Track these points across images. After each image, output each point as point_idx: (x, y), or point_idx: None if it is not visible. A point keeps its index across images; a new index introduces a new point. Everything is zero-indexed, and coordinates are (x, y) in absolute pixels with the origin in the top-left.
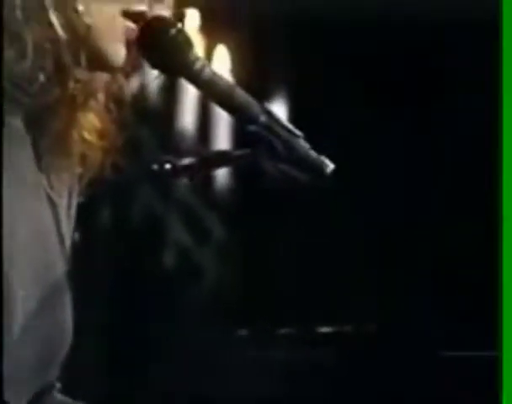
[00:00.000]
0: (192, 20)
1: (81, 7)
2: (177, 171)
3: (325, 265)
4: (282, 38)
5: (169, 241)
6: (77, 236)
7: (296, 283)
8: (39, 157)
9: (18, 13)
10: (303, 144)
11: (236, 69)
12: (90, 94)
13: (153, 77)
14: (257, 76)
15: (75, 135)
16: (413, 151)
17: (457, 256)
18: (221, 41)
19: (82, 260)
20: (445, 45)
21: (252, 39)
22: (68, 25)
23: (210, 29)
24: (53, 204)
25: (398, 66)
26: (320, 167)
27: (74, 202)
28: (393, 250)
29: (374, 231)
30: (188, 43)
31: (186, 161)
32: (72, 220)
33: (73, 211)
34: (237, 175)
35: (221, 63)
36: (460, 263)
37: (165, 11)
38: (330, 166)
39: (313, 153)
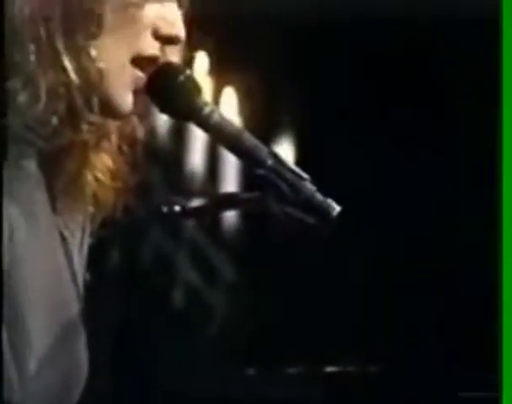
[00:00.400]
0: (201, 63)
1: (93, 53)
2: (186, 213)
3: (332, 305)
4: (289, 81)
5: (178, 281)
6: (88, 275)
7: (304, 322)
8: (53, 198)
9: (32, 58)
10: (310, 187)
11: (243, 111)
12: (103, 136)
13: (163, 121)
14: (264, 118)
15: (88, 176)
16: (420, 194)
17: (459, 299)
18: (229, 83)
19: (93, 300)
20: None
21: (260, 81)
22: (81, 70)
23: (218, 71)
24: (66, 243)
25: (404, 107)
26: (326, 210)
27: (86, 240)
28: (398, 292)
29: (379, 272)
30: (197, 88)
31: (195, 203)
32: (84, 259)
33: (85, 250)
34: (245, 216)
35: (229, 105)
36: (461, 306)
37: (175, 56)
38: (336, 208)
39: (319, 196)
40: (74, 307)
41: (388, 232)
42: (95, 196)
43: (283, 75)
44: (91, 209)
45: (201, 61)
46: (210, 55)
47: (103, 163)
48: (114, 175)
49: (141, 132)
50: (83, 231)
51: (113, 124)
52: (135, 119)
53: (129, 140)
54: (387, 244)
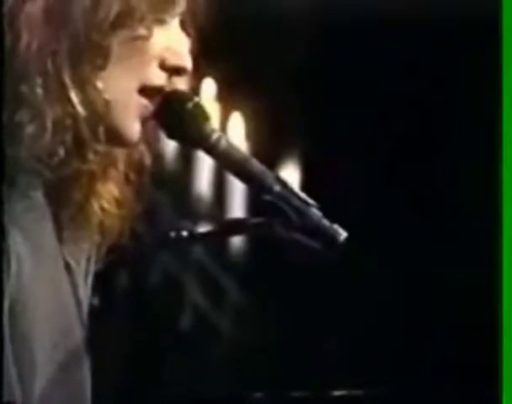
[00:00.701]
0: (208, 89)
1: (100, 84)
2: (194, 238)
3: (338, 329)
4: (295, 107)
5: (186, 303)
6: (96, 300)
7: (309, 346)
8: (59, 228)
9: (39, 91)
10: (316, 213)
11: (250, 136)
12: (110, 164)
13: (170, 147)
14: (270, 143)
15: (94, 205)
16: (426, 220)
17: (461, 327)
18: (236, 109)
19: (101, 324)
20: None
21: (266, 107)
22: (87, 102)
23: (225, 97)
24: (71, 271)
25: (410, 136)
26: (333, 236)
27: (91, 269)
28: (402, 317)
29: (385, 297)
30: (204, 115)
31: (203, 228)
32: (89, 287)
33: (90, 278)
34: (252, 240)
35: (236, 130)
36: (464, 334)
37: (182, 83)
38: (343, 234)
39: (326, 222)
40: (78, 335)
41: (394, 258)
42: (101, 225)
43: (289, 101)
44: (97, 237)
45: (208, 87)
46: (217, 80)
47: (109, 192)
48: (120, 203)
49: (148, 159)
50: (89, 259)
51: (120, 152)
52: (142, 147)
53: (136, 167)
54: (394, 270)
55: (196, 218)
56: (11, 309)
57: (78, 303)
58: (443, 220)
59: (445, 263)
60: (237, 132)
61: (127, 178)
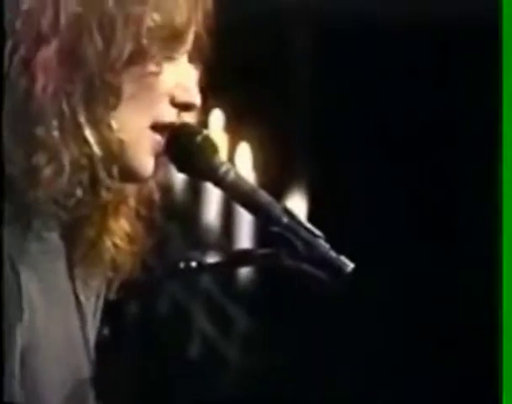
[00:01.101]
0: (216, 120)
1: (114, 123)
2: (203, 268)
3: (344, 359)
4: (303, 141)
5: (195, 332)
6: (105, 330)
7: (316, 374)
8: (71, 266)
9: (55, 133)
10: (323, 244)
11: (258, 166)
12: (121, 201)
13: (180, 179)
14: (278, 173)
15: (107, 241)
16: (432, 251)
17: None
18: (243, 139)
19: (110, 352)
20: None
21: (273, 137)
22: (102, 141)
23: (233, 127)
24: (81, 307)
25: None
26: (339, 267)
27: (100, 304)
28: (408, 349)
29: (392, 328)
30: (213, 148)
31: (211, 259)
32: (97, 322)
33: (99, 314)
34: (260, 270)
35: (244, 160)
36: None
37: (191, 116)
38: (350, 265)
39: (333, 253)
40: (86, 371)
41: (400, 289)
42: (114, 261)
43: (296, 131)
44: (109, 273)
45: (216, 118)
46: (225, 112)
47: (121, 228)
48: (132, 239)
49: (157, 194)
50: (98, 296)
51: (131, 188)
52: (152, 182)
53: (146, 203)
54: (399, 302)
55: (205, 248)
56: (23, 352)
57: (86, 340)
58: (450, 249)
59: (454, 293)
60: (244, 162)
61: (138, 214)
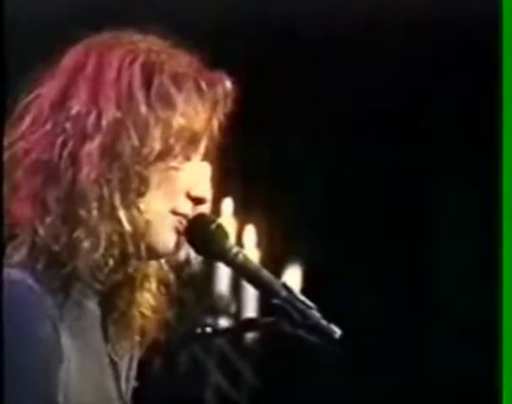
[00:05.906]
0: (226, 207)
1: (142, 206)
2: (216, 333)
3: None
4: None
5: (210, 384)
6: (136, 384)
7: None
8: (105, 329)
9: (95, 213)
10: (316, 314)
11: (261, 245)
12: (144, 278)
13: (196, 258)
14: (279, 254)
15: (135, 311)
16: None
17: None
18: (250, 223)
19: (141, 402)
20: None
21: (275, 220)
22: (132, 221)
23: (240, 213)
24: (114, 364)
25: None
26: (330, 333)
27: (134, 364)
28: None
29: (383, 390)
30: (225, 234)
31: (224, 325)
32: (132, 381)
33: (133, 373)
34: (264, 335)
35: (250, 239)
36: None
37: (205, 208)
38: (338, 332)
39: (324, 321)
40: None
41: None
42: (141, 327)
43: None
44: (137, 337)
45: (227, 206)
46: (234, 199)
47: (146, 301)
48: (155, 310)
49: (172, 277)
50: (131, 357)
51: (152, 268)
52: (166, 266)
53: (164, 282)
54: (388, 366)
55: (217, 314)
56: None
57: (120, 395)
58: (440, 313)
59: (447, 357)
60: (250, 241)
61: (159, 290)
